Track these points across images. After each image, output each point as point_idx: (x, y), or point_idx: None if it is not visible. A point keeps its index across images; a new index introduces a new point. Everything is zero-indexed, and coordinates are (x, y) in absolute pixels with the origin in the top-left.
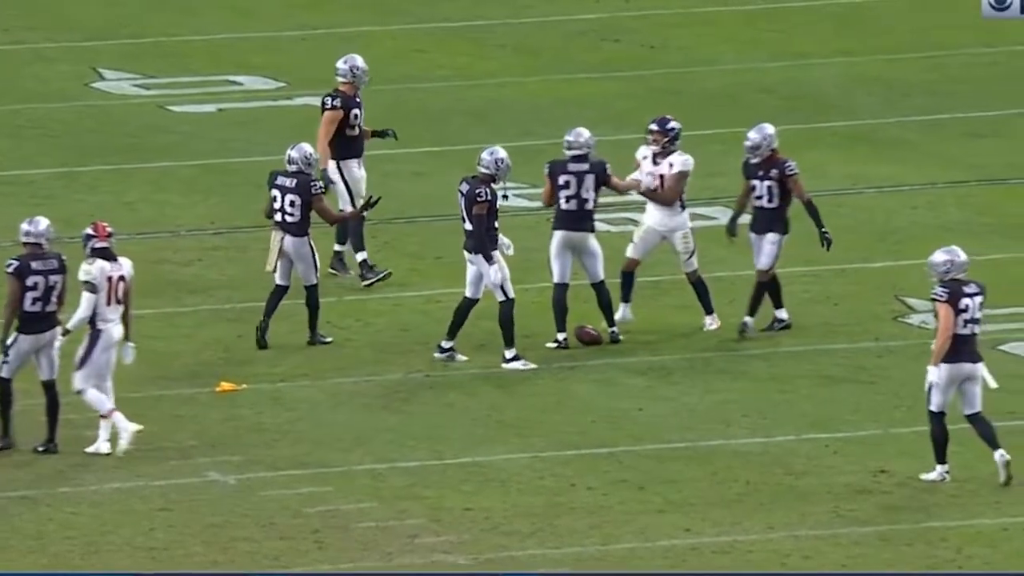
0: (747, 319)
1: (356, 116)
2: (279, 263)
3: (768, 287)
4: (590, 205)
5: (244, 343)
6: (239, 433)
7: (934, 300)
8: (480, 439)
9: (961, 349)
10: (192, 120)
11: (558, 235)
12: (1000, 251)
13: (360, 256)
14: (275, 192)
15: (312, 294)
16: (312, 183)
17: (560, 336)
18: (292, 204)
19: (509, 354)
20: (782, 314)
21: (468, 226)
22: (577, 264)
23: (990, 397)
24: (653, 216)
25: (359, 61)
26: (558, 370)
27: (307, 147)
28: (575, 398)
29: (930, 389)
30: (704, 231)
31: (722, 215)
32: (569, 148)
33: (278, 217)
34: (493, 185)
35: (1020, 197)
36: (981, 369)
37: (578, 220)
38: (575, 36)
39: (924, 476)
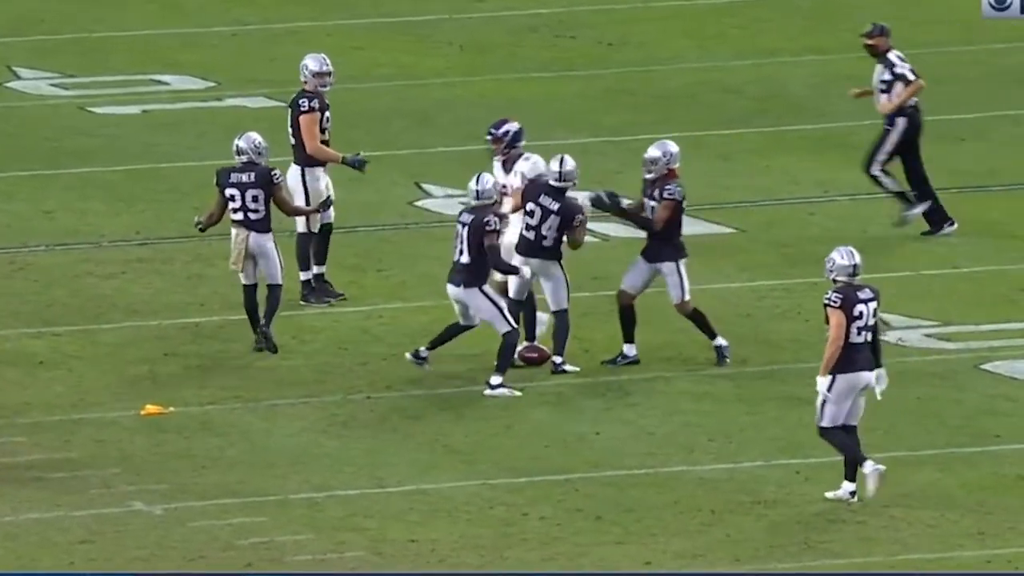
0: (717, 342)
1: (328, 119)
2: (245, 263)
3: (627, 315)
4: (548, 243)
5: (171, 363)
6: (166, 459)
7: (826, 306)
8: (425, 465)
9: (856, 358)
10: (115, 122)
11: (518, 258)
12: (982, 263)
13: (305, 276)
14: (232, 192)
15: (275, 293)
16: (272, 172)
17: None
18: (256, 199)
19: (495, 380)
20: (630, 350)
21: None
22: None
23: (973, 421)
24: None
25: (327, 64)
26: (510, 392)
27: (255, 136)
28: (527, 421)
29: (823, 403)
30: None
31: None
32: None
33: (239, 216)
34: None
35: (1003, 205)
36: (874, 378)
37: (538, 249)
38: (526, 32)
39: (829, 494)
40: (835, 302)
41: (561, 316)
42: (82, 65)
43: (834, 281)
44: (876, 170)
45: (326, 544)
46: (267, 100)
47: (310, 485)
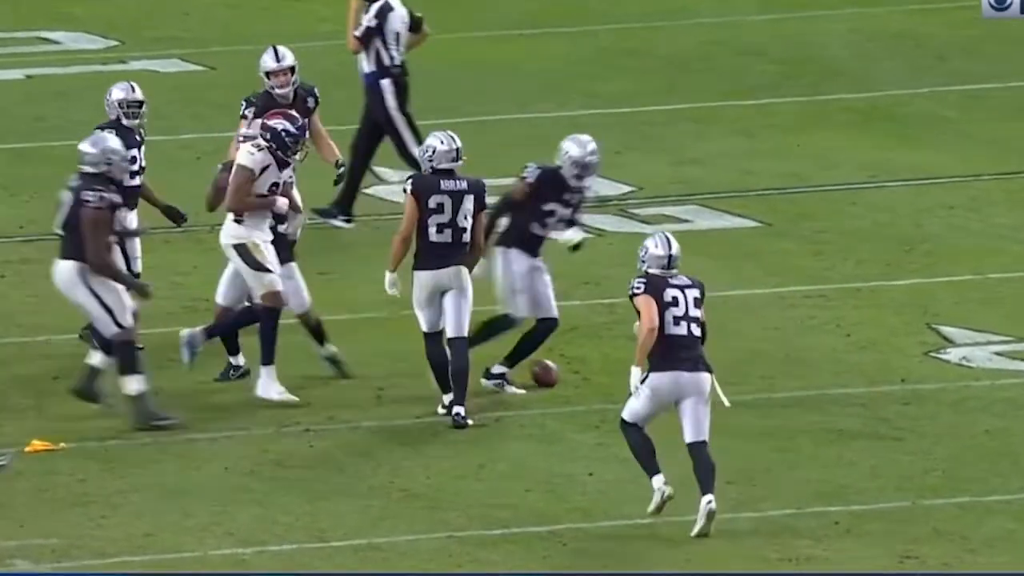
0: (327, 350)
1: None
2: None
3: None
4: (468, 234)
5: (63, 387)
6: (56, 507)
7: (631, 296)
8: (378, 514)
9: (675, 354)
10: None
11: (423, 276)
12: None
13: None
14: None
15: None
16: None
17: (445, 399)
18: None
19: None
20: (239, 360)
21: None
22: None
23: None
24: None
25: (285, 58)
26: (482, 422)
27: (116, 85)
28: (504, 459)
29: (630, 397)
30: (675, 238)
31: (696, 216)
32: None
33: None
34: None
35: None
36: (707, 383)
37: (459, 247)
38: None
39: (650, 509)
40: (637, 288)
41: (462, 346)
42: None
43: (645, 273)
44: (416, 151)
45: None
46: (181, 63)
47: (235, 539)
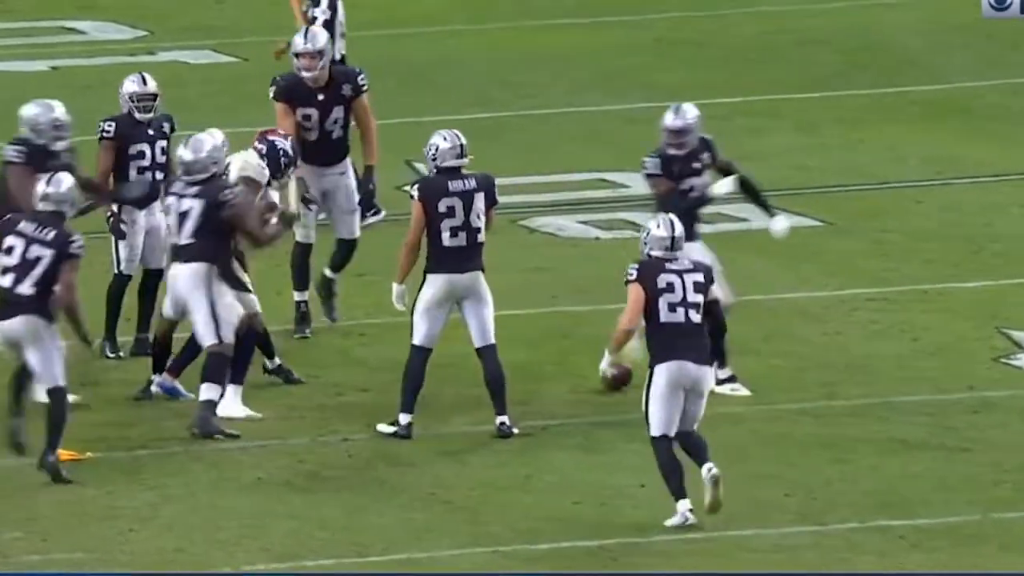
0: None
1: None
2: None
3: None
4: (483, 237)
5: (88, 394)
6: (82, 521)
7: (626, 283)
8: (420, 528)
9: (675, 343)
10: (15, 83)
11: (438, 279)
12: None
13: (300, 297)
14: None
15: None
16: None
17: (403, 419)
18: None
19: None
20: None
21: None
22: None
23: None
24: None
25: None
26: (527, 431)
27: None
28: (550, 470)
29: (647, 408)
30: (731, 237)
31: (754, 216)
32: (440, 159)
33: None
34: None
35: None
36: (710, 379)
37: (473, 250)
38: None
39: (668, 522)
40: (631, 275)
41: (492, 354)
42: None
43: (648, 256)
44: None
45: None
46: (213, 54)
47: (269, 554)
